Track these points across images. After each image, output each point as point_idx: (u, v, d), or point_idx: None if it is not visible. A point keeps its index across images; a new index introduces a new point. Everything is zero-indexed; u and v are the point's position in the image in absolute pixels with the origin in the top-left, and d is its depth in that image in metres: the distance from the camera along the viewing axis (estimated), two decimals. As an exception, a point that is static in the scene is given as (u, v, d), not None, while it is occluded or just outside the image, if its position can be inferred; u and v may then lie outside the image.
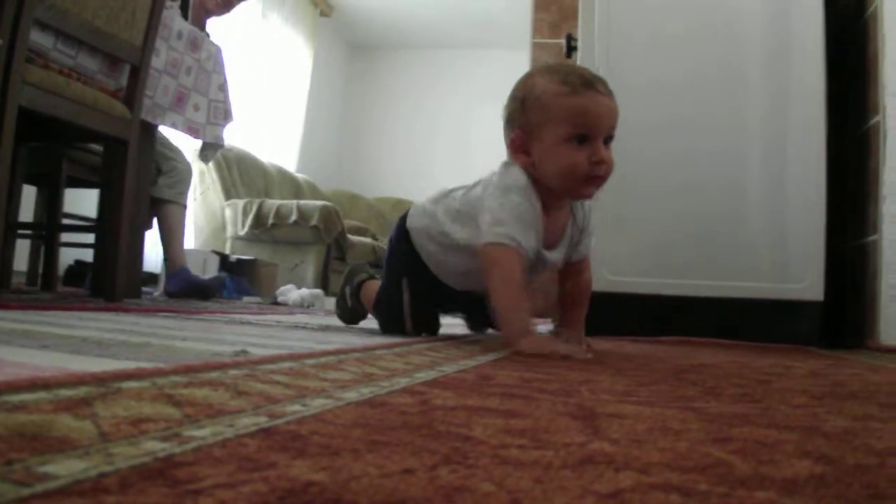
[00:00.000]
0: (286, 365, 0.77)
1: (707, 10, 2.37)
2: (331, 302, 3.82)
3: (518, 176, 1.40)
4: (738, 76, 2.33)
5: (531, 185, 1.40)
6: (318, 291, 3.79)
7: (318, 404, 0.54)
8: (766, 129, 2.28)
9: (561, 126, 1.35)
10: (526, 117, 1.40)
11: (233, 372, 0.68)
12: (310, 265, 4.92)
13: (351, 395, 0.60)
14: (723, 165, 2.30)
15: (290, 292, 3.72)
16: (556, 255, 1.51)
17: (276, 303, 3.67)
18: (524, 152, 1.42)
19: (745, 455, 0.44)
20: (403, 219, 1.70)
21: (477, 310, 1.64)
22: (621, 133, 1.39)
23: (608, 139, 1.37)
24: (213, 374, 0.65)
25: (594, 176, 1.35)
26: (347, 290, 1.92)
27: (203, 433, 0.41)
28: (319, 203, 5.08)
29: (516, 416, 0.55)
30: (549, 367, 1.02)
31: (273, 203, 5.02)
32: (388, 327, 1.73)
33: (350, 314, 1.95)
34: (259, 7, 6.35)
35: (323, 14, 7.54)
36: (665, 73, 2.36)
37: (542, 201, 1.42)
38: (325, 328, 1.80)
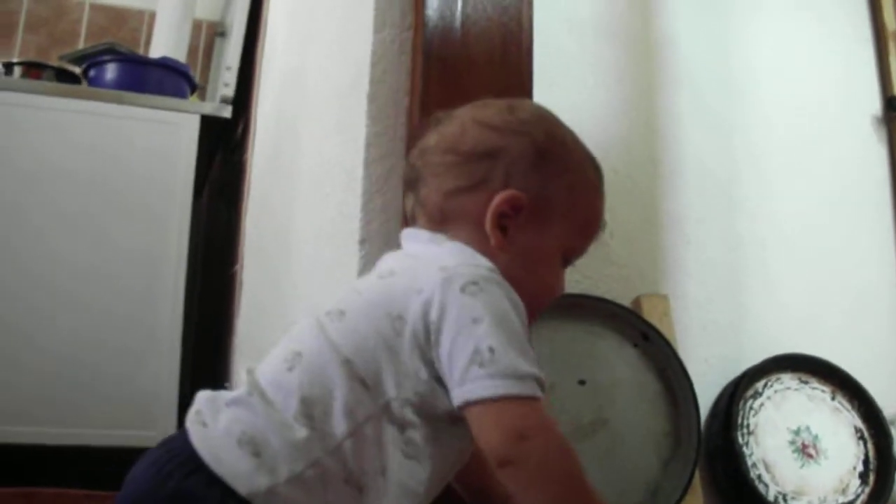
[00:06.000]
0: None
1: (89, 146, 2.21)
2: None
3: (486, 263, 0.80)
4: (101, 221, 2.18)
5: None
6: None
7: None
8: (128, 271, 2.17)
9: (572, 233, 0.88)
10: (541, 182, 0.85)
11: None
12: None
13: None
14: (76, 307, 2.13)
15: None
16: None
17: None
18: (500, 228, 0.84)
19: None
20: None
21: None
22: None
23: None
24: None
25: None
26: None
27: None
28: None
29: None
30: None
31: None
32: None
33: None
34: None
35: None
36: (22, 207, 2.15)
37: None
38: None
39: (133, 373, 2.13)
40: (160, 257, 2.19)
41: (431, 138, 0.89)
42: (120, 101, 2.23)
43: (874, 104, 2.19)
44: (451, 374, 0.72)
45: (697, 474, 1.64)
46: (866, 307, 2.06)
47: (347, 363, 0.75)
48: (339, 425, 0.73)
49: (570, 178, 0.87)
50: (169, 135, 2.23)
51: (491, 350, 0.71)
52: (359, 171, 1.17)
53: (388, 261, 0.87)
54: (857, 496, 1.78)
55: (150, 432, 2.10)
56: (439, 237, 0.84)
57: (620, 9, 1.88)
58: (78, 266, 2.14)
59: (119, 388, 2.12)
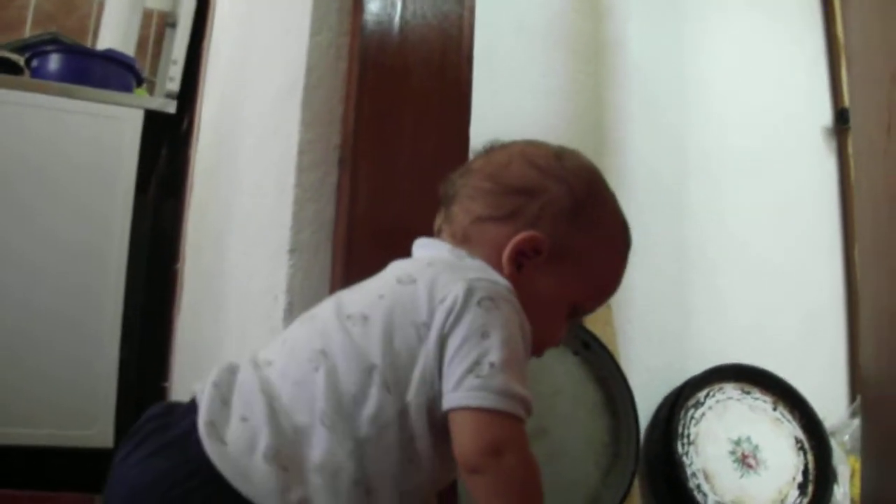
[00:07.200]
0: None
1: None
2: None
3: (505, 283, 0.83)
4: (40, 215, 2.13)
5: None
6: None
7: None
8: (68, 268, 2.12)
9: (585, 289, 0.90)
10: (569, 232, 0.87)
11: None
12: None
13: None
14: (12, 303, 2.08)
15: None
16: None
17: None
18: (516, 264, 0.86)
19: None
20: None
21: None
22: None
23: None
24: None
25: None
26: None
27: None
28: None
29: None
30: None
31: None
32: None
33: None
34: None
35: None
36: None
37: None
38: None
39: (70, 371, 2.09)
40: (101, 253, 2.14)
41: (478, 162, 0.93)
42: (62, 94, 2.18)
43: (825, 115, 2.20)
44: (448, 379, 0.74)
45: (637, 484, 1.64)
46: (812, 318, 2.08)
47: (373, 368, 0.76)
48: (363, 427, 0.74)
49: (598, 237, 0.89)
50: (112, 129, 2.18)
51: (491, 365, 0.74)
52: (290, 179, 1.14)
53: (404, 266, 0.86)
54: (796, 506, 1.80)
55: (88, 431, 2.07)
56: (460, 252, 0.86)
57: (570, 15, 1.87)
58: (15, 261, 2.09)
59: (56, 387, 2.08)
